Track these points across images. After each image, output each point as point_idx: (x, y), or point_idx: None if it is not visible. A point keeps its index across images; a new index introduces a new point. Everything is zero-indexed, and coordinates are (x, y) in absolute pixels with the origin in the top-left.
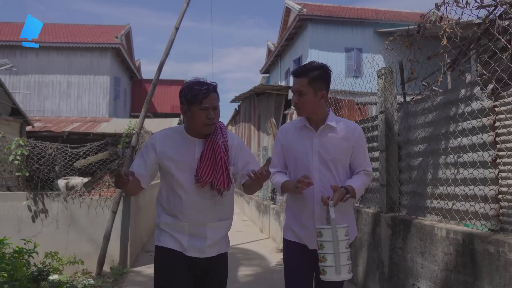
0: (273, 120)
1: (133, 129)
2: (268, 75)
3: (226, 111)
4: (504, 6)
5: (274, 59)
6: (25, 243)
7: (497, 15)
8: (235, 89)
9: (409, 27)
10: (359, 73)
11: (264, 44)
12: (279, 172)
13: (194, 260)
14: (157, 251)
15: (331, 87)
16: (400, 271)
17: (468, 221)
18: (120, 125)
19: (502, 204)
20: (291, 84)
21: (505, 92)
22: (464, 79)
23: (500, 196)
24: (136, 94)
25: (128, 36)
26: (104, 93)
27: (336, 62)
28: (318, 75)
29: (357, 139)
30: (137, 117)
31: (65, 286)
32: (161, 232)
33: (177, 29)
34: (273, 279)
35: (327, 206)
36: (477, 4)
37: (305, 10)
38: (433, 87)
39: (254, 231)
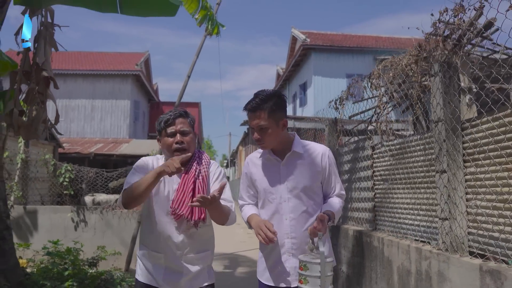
0: None
1: (155, 154)
2: None
3: (240, 131)
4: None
5: (283, 83)
6: (74, 244)
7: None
8: None
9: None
10: (360, 97)
11: (278, 63)
12: (247, 204)
13: None
14: (136, 284)
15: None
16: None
17: (363, 225)
18: (139, 145)
19: (376, 213)
20: (298, 107)
21: (376, 146)
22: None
23: (375, 208)
24: (154, 116)
25: (147, 62)
26: (124, 116)
27: (338, 87)
28: (275, 104)
29: (326, 163)
30: (155, 137)
31: (105, 274)
32: (140, 265)
33: (189, 77)
34: None
35: (313, 236)
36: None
37: (308, 40)
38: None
39: (255, 242)
